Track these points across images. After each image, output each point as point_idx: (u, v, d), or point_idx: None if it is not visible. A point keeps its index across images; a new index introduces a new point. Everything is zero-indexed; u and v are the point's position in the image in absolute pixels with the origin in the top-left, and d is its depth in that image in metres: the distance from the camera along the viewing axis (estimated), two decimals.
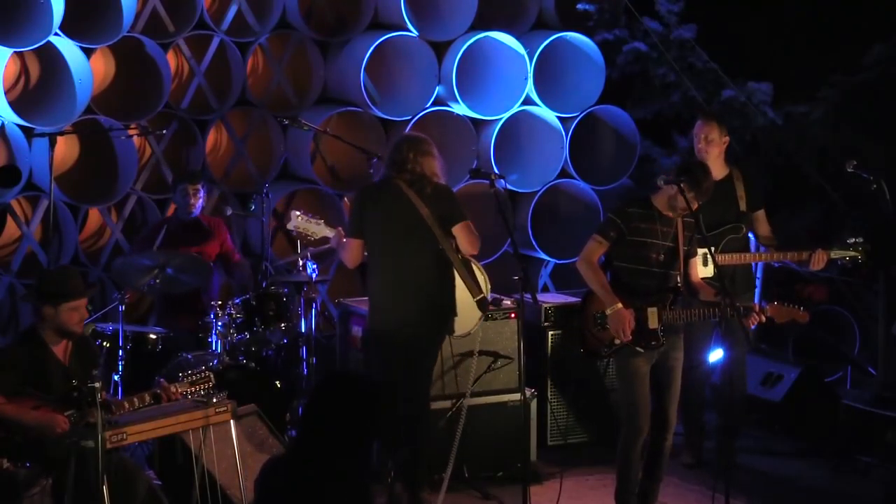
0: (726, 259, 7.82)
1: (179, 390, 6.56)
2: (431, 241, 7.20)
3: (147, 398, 6.48)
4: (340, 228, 7.41)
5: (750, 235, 8.26)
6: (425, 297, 7.19)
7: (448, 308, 7.30)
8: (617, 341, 6.97)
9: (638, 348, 6.97)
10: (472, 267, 7.37)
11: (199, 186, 8.83)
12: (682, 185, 6.80)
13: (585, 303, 7.16)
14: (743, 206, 7.98)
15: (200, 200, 8.85)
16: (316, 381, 4.82)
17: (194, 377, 6.61)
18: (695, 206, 6.87)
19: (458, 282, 7.31)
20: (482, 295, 7.35)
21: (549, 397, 8.47)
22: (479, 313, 7.46)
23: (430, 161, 7.29)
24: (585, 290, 7.21)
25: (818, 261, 7.86)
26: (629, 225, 6.96)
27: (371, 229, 7.24)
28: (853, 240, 7.93)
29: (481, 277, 7.41)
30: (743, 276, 8.13)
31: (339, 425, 4.63)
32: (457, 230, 7.24)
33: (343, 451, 4.63)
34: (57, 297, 6.42)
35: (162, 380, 6.62)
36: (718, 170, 7.87)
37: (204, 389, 6.61)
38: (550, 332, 8.52)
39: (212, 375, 6.65)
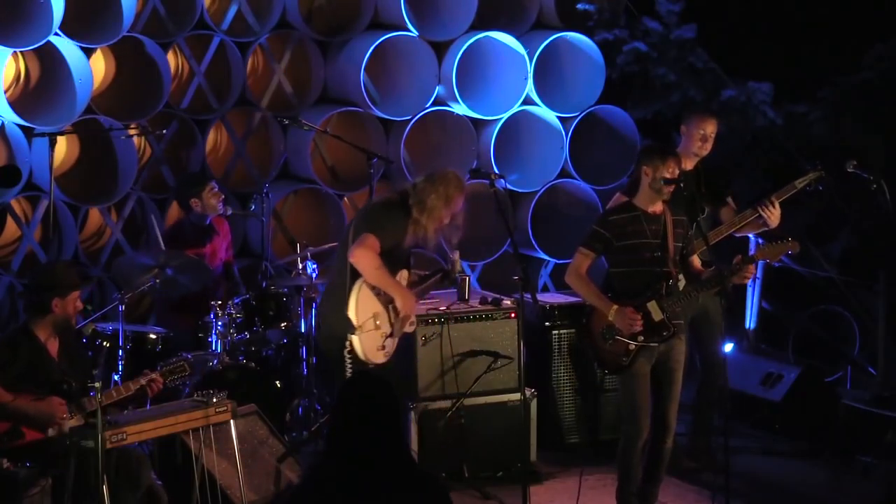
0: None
1: (158, 379, 6.66)
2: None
3: (132, 387, 6.57)
4: None
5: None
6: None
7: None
8: (632, 346, 6.98)
9: (652, 343, 6.99)
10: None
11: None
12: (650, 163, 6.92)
13: (587, 324, 7.16)
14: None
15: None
16: (339, 393, 4.62)
17: (169, 367, 6.72)
18: (676, 172, 6.91)
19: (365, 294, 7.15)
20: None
21: (549, 397, 8.45)
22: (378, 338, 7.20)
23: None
24: (584, 307, 7.21)
25: (770, 213, 7.84)
26: (615, 233, 6.99)
27: None
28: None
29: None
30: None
31: (378, 424, 4.37)
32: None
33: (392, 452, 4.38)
34: (66, 287, 6.59)
35: (146, 370, 6.70)
36: (693, 161, 7.93)
37: (180, 379, 6.75)
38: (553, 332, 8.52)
39: (186, 365, 6.76)
